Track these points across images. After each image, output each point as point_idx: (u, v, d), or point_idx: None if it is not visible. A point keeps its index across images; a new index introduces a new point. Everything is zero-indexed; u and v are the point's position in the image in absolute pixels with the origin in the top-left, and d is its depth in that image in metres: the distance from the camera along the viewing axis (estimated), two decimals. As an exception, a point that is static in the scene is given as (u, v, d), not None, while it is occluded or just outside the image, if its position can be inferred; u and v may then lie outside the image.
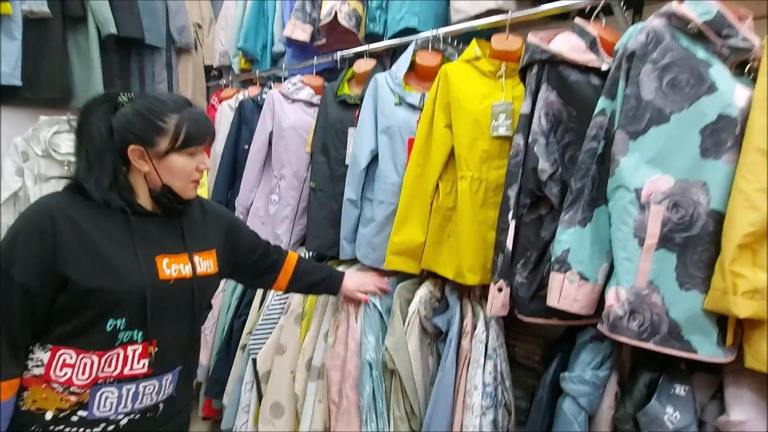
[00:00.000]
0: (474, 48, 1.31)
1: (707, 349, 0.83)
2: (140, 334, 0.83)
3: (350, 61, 1.74)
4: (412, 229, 1.30)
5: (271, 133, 1.76)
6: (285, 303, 1.55)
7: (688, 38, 0.89)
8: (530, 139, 1.04)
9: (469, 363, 1.13)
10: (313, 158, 1.61)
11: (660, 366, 0.94)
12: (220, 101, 2.31)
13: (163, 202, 0.88)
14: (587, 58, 1.02)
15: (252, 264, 1.15)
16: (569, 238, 0.95)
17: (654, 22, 0.91)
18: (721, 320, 0.83)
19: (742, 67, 0.91)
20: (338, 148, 1.54)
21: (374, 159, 1.42)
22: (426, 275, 1.39)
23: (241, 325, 1.69)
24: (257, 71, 2.22)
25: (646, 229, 0.87)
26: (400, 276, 1.39)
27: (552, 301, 0.95)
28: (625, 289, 0.88)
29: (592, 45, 1.04)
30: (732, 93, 0.84)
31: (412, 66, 1.46)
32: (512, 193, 1.06)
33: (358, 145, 1.44)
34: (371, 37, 1.75)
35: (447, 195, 1.26)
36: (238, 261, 1.10)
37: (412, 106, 1.38)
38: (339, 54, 1.76)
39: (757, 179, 0.78)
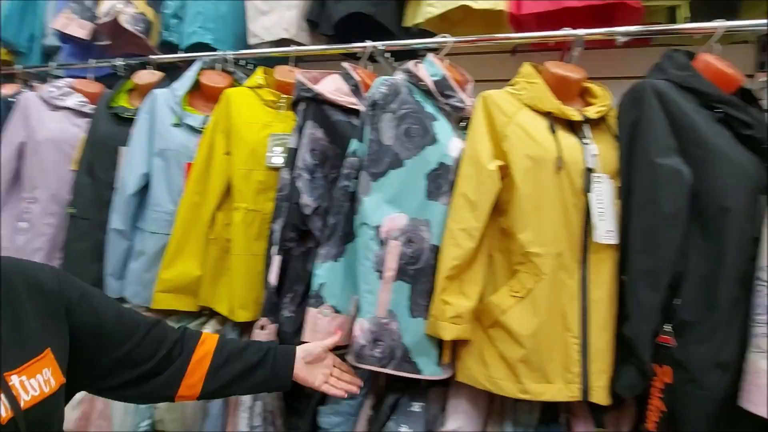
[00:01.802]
0: (257, 75, 1.29)
1: (430, 369, 0.94)
2: None
3: (135, 70, 1.55)
4: (187, 262, 1.20)
5: (22, 145, 1.44)
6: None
7: (421, 94, 1.01)
8: (294, 174, 1.06)
9: (237, 406, 1.07)
10: (76, 179, 1.37)
11: (405, 386, 1.03)
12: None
13: None
14: (349, 100, 1.09)
15: (125, 360, 0.69)
16: (324, 272, 0.99)
17: (397, 76, 1.02)
18: (440, 342, 0.95)
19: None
20: (107, 169, 1.34)
21: (148, 184, 1.28)
22: (211, 312, 1.29)
23: None
24: (21, 66, 1.82)
25: (384, 263, 0.95)
26: (181, 315, 1.26)
27: (306, 336, 0.97)
28: (367, 320, 0.94)
29: (355, 89, 1.12)
30: (448, 144, 0.98)
31: (199, 86, 1.37)
32: (277, 227, 1.05)
33: (127, 167, 1.28)
34: (169, 47, 1.60)
35: (226, 226, 1.20)
36: (97, 357, 0.68)
37: (192, 129, 1.28)
38: (121, 61, 1.55)
39: (461, 220, 0.92)
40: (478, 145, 0.96)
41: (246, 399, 1.06)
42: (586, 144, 0.93)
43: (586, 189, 0.89)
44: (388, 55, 1.28)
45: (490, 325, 0.91)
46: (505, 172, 0.95)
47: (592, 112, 0.97)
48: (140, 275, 1.24)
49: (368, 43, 1.21)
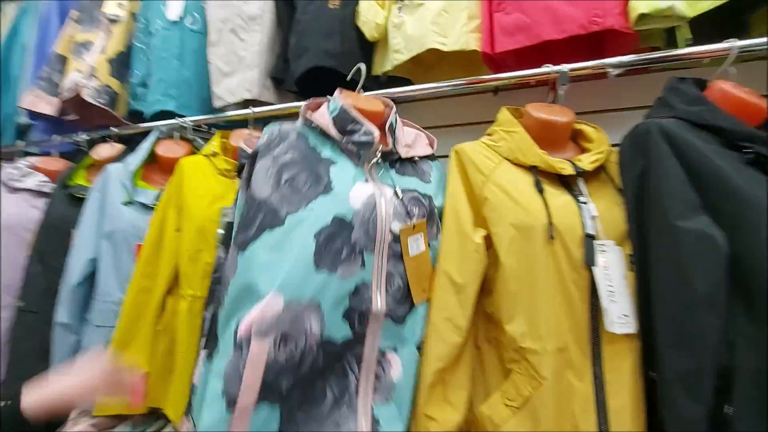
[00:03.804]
0: (213, 142, 1.18)
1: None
2: None
3: (96, 143, 1.47)
4: (134, 357, 1.04)
5: (-24, 232, 1.35)
6: None
7: (317, 136, 0.82)
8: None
9: None
10: (27, 268, 1.25)
11: None
12: (-61, 182, 1.77)
13: None
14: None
15: None
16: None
17: (291, 123, 0.86)
18: None
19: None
20: (59, 256, 1.22)
21: (95, 271, 1.15)
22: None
23: None
24: (-4, 146, 1.78)
25: (240, 382, 0.65)
26: (136, 418, 1.09)
27: None
28: None
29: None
30: (348, 194, 0.74)
31: (155, 158, 1.27)
32: (208, 314, 0.87)
33: (74, 252, 1.15)
34: (139, 116, 1.52)
35: (174, 314, 1.04)
36: None
37: (144, 206, 1.16)
38: (84, 135, 1.47)
39: (445, 306, 0.74)
40: (459, 211, 0.79)
41: None
42: (583, 203, 0.75)
43: (589, 261, 0.70)
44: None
45: (481, 447, 0.71)
46: (489, 241, 0.77)
47: (586, 162, 0.79)
48: (86, 377, 1.08)
49: (328, 98, 1.08)
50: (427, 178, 0.89)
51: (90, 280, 1.15)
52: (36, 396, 0.66)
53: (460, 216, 0.80)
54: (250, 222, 0.73)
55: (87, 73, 1.48)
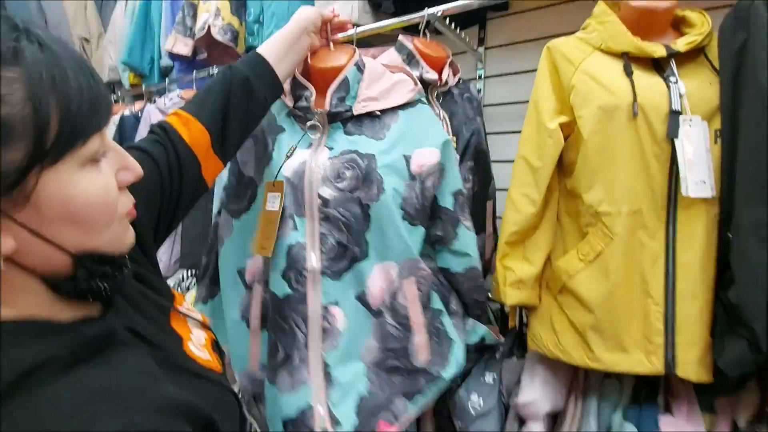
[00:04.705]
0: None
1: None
2: None
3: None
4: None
5: (147, 150, 1.73)
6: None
7: (279, 104, 0.87)
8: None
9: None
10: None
11: (477, 357, 1.01)
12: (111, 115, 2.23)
13: (94, 290, 0.40)
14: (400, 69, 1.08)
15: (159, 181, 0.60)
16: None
17: None
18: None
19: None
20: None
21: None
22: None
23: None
24: (145, 86, 2.17)
25: (250, 311, 0.86)
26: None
27: None
28: (241, 374, 0.90)
29: (409, 58, 1.10)
30: (281, 163, 0.81)
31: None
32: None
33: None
34: (254, 51, 1.76)
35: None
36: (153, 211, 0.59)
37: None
38: (216, 69, 1.75)
39: (521, 184, 0.86)
40: (539, 102, 0.89)
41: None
42: (673, 83, 0.79)
43: (672, 135, 0.76)
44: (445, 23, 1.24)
45: (558, 291, 0.85)
46: (570, 128, 0.86)
47: (681, 44, 0.82)
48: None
49: (424, 12, 1.18)
50: (382, 134, 0.83)
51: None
52: None
53: (539, 107, 0.89)
54: (241, 195, 0.86)
55: (213, 13, 1.73)
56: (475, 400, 0.93)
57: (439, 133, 0.87)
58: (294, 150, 0.81)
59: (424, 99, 0.92)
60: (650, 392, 0.89)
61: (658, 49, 0.81)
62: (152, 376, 0.40)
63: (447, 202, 0.86)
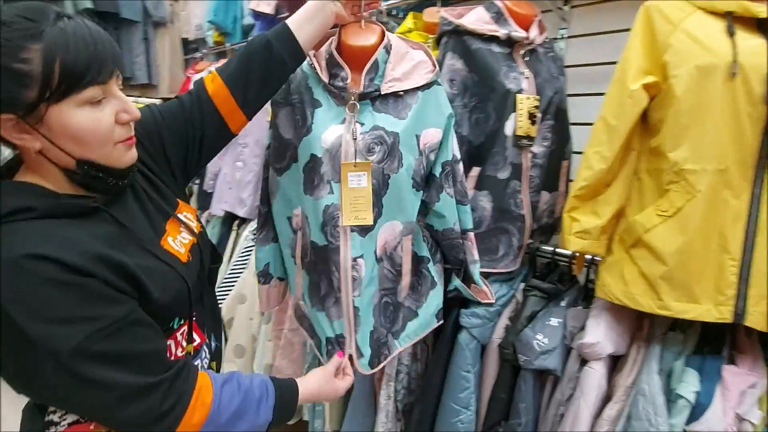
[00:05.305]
0: (407, 21, 1.41)
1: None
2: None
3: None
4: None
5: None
6: (248, 259, 1.73)
7: (314, 78, 0.96)
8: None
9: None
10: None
11: (543, 301, 1.10)
12: (196, 73, 2.42)
13: (95, 185, 0.61)
14: (489, 27, 1.12)
15: (183, 129, 0.78)
16: (265, 254, 1.14)
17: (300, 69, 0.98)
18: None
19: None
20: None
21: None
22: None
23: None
24: (229, 44, 2.32)
25: (296, 250, 1.04)
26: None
27: (262, 307, 1.19)
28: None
29: (498, 16, 1.13)
30: (321, 135, 0.91)
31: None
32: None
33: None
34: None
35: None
36: (180, 153, 0.79)
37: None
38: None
39: (597, 143, 0.90)
40: (626, 63, 0.91)
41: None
42: (777, 43, 0.79)
43: (771, 96, 0.77)
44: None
45: (632, 244, 0.90)
46: (657, 89, 0.88)
47: (789, 3, 0.80)
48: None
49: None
50: (404, 114, 0.93)
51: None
52: None
53: (625, 68, 0.90)
54: (282, 156, 1.01)
55: (296, -28, 1.81)
56: (540, 339, 1.02)
57: (445, 112, 1.00)
58: (329, 126, 0.92)
59: (439, 81, 1.03)
60: (714, 348, 0.94)
61: (763, 10, 0.81)
62: (101, 239, 0.57)
63: (437, 170, 1.01)
